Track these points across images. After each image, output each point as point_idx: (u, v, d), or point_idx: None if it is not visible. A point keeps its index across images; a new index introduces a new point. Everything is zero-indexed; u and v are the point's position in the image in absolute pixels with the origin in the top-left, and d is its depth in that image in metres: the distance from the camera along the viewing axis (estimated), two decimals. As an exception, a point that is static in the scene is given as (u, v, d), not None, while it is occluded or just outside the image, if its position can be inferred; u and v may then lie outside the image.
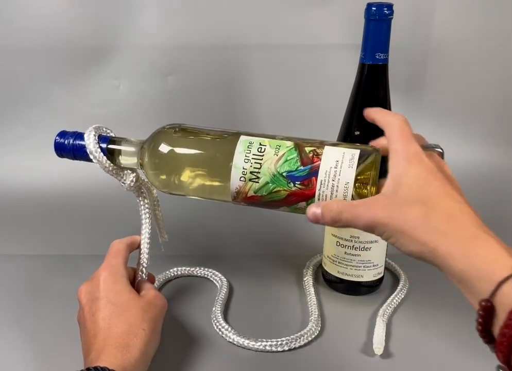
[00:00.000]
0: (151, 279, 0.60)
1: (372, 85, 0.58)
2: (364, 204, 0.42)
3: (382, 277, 0.67)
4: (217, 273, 0.69)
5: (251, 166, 0.47)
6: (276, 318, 0.63)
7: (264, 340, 0.57)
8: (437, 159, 0.44)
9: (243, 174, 0.47)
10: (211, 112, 0.89)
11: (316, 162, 0.46)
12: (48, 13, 0.83)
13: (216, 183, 0.50)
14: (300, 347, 0.58)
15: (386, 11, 0.54)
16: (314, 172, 0.46)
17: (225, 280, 0.68)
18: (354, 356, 0.57)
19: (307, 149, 0.47)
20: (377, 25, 0.55)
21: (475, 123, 0.92)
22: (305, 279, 0.69)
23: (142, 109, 0.89)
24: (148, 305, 0.52)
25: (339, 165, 0.46)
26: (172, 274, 0.69)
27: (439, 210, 0.39)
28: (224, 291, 0.65)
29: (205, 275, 0.70)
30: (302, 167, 0.46)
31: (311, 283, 0.68)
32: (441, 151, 0.46)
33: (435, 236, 0.38)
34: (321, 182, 0.46)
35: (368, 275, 0.65)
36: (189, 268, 0.70)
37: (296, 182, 0.46)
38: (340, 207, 0.42)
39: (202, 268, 0.70)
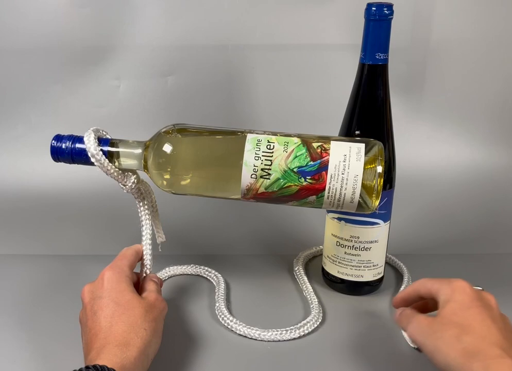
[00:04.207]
0: (159, 283, 0.60)
1: (372, 85, 0.58)
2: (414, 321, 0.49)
3: (383, 277, 0.67)
4: (210, 270, 0.70)
5: (261, 163, 0.49)
6: (278, 309, 0.64)
7: (275, 330, 0.59)
8: (483, 295, 0.49)
9: (254, 171, 0.49)
10: (212, 111, 0.89)
11: (324, 156, 0.48)
12: (47, 13, 0.83)
13: (224, 181, 0.51)
14: (309, 333, 0.59)
15: (386, 11, 0.54)
16: (324, 166, 0.48)
17: (220, 276, 0.68)
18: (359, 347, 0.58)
19: (315, 144, 0.49)
20: (377, 25, 0.55)
21: (475, 123, 0.92)
22: (295, 269, 0.71)
23: (142, 109, 0.89)
24: (150, 306, 0.52)
25: (347, 158, 0.48)
26: (166, 274, 0.69)
27: (471, 332, 0.44)
28: (222, 287, 0.66)
29: (199, 273, 0.70)
30: (311, 162, 0.48)
31: (303, 272, 0.69)
32: (481, 289, 0.51)
33: (463, 356, 0.43)
34: (331, 176, 0.48)
35: (368, 275, 0.65)
36: (181, 266, 0.70)
37: (307, 177, 0.48)
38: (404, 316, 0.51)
39: (196, 266, 0.71)
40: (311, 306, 0.63)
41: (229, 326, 0.60)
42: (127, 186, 0.55)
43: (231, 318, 0.60)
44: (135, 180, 0.55)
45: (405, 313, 0.51)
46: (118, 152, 0.53)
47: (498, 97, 0.91)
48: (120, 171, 0.54)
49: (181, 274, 0.70)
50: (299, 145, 0.49)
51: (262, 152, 0.49)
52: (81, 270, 0.70)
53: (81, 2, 0.83)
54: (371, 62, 0.57)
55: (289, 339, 0.59)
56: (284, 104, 0.89)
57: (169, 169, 0.51)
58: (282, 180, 0.49)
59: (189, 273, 0.70)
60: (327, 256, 0.67)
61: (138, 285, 0.57)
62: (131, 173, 0.55)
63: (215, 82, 0.88)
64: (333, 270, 0.66)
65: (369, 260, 0.64)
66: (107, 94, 0.88)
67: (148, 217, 0.58)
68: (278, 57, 0.87)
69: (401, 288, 0.66)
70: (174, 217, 0.79)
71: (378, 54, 0.56)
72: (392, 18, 0.55)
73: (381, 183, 0.48)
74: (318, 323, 0.61)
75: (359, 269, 0.64)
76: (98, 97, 0.88)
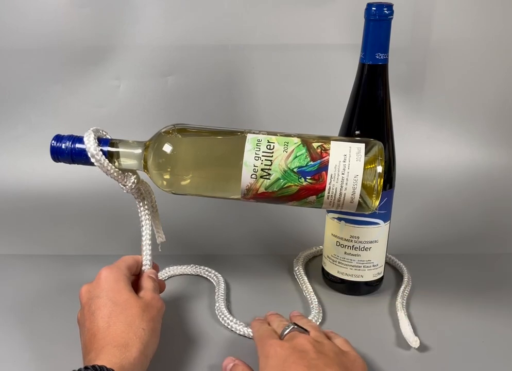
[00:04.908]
0: (161, 286, 0.60)
1: (372, 85, 0.58)
2: None
3: (382, 277, 0.67)
4: (210, 270, 0.70)
5: (261, 163, 0.49)
6: (278, 309, 0.63)
7: None
8: (296, 344, 0.48)
9: (254, 171, 0.49)
10: (212, 112, 0.89)
11: (324, 156, 0.48)
12: (47, 13, 0.83)
13: (224, 181, 0.51)
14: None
15: (386, 11, 0.54)
16: (324, 167, 0.48)
17: (220, 276, 0.68)
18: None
19: (315, 144, 0.49)
20: (377, 25, 0.55)
21: (475, 123, 0.92)
22: (295, 269, 0.71)
23: (142, 109, 0.89)
24: (146, 305, 0.52)
25: (347, 158, 0.48)
26: (166, 274, 0.69)
27: None
28: (222, 287, 0.66)
29: (199, 273, 0.70)
30: (311, 162, 0.48)
31: (303, 272, 0.69)
32: (295, 326, 0.52)
33: None
34: (331, 176, 0.48)
35: (368, 275, 0.65)
36: (181, 266, 0.70)
37: (307, 177, 0.48)
38: None
39: (196, 266, 0.71)
40: (311, 306, 0.63)
41: (229, 326, 0.60)
42: (127, 186, 0.55)
43: (231, 318, 0.60)
44: (135, 180, 0.55)
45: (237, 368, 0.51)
46: (118, 152, 0.53)
47: (498, 97, 0.91)
48: (120, 171, 0.53)
49: (181, 274, 0.70)
50: (299, 145, 0.49)
51: (262, 152, 0.49)
52: (81, 270, 0.70)
53: (81, 2, 0.83)
54: (371, 62, 0.57)
55: None
56: (284, 104, 0.89)
57: (169, 169, 0.51)
58: (282, 180, 0.49)
59: (189, 273, 0.70)
60: (327, 256, 0.67)
61: (137, 285, 0.57)
62: (131, 174, 0.55)
63: (215, 82, 0.87)
64: (333, 270, 0.66)
65: (368, 260, 0.64)
66: (107, 94, 0.88)
67: (148, 217, 0.58)
68: (278, 57, 0.87)
69: (401, 288, 0.66)
70: (174, 217, 0.79)
71: (378, 54, 0.56)
72: (392, 18, 0.55)
73: (381, 183, 0.48)
74: (318, 323, 0.61)
75: (359, 269, 0.64)
76: (98, 97, 0.88)
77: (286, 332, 0.51)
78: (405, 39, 0.86)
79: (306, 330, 0.52)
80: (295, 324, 0.52)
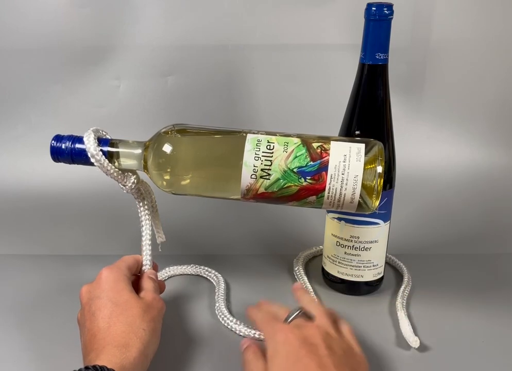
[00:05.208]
0: (161, 286, 0.60)
1: (372, 85, 0.58)
2: None
3: (382, 277, 0.67)
4: (210, 270, 0.70)
5: (261, 163, 0.49)
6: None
7: None
8: (307, 335, 0.47)
9: (254, 172, 0.49)
10: (212, 112, 0.89)
11: (324, 157, 0.48)
12: (47, 13, 0.83)
13: (224, 182, 0.51)
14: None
15: (386, 11, 0.54)
16: (324, 167, 0.48)
17: (220, 276, 0.68)
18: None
19: (315, 144, 0.49)
20: (377, 25, 0.55)
21: (475, 123, 0.92)
22: (295, 269, 0.71)
23: (142, 109, 0.89)
24: (147, 306, 0.52)
25: (347, 159, 0.48)
26: (166, 274, 0.69)
27: None
28: (222, 287, 0.66)
29: (199, 273, 0.70)
30: (311, 163, 0.48)
31: (303, 272, 0.70)
32: (299, 312, 0.50)
33: None
34: (331, 176, 0.48)
35: (368, 275, 0.65)
36: (181, 266, 0.70)
37: (307, 177, 0.48)
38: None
39: (196, 266, 0.71)
40: (311, 306, 0.63)
41: (229, 326, 0.60)
42: (127, 186, 0.55)
43: (231, 318, 0.60)
44: (135, 180, 0.55)
45: (251, 352, 0.49)
46: (118, 152, 0.53)
47: (498, 97, 0.91)
48: (120, 172, 0.54)
49: (181, 274, 0.70)
50: (299, 145, 0.49)
51: (262, 152, 0.49)
52: (81, 270, 0.70)
53: (81, 2, 0.83)
54: (371, 62, 0.57)
55: None
56: (284, 104, 0.89)
57: (169, 170, 0.51)
58: (281, 180, 0.49)
59: (189, 273, 0.70)
60: (327, 256, 0.67)
61: (137, 285, 0.57)
62: (130, 174, 0.55)
63: (215, 82, 0.88)
64: (333, 270, 0.66)
65: (369, 260, 0.64)
66: (107, 94, 0.88)
67: (148, 217, 0.58)
68: (278, 57, 0.87)
69: (401, 288, 0.66)
70: (174, 217, 0.79)
71: (378, 54, 0.56)
72: (392, 18, 0.55)
73: (381, 183, 0.48)
74: (318, 323, 0.61)
75: (359, 269, 0.64)
76: (98, 97, 0.88)
77: (292, 317, 0.49)
78: (405, 39, 0.86)
79: (310, 317, 0.50)
80: (302, 309, 0.50)
